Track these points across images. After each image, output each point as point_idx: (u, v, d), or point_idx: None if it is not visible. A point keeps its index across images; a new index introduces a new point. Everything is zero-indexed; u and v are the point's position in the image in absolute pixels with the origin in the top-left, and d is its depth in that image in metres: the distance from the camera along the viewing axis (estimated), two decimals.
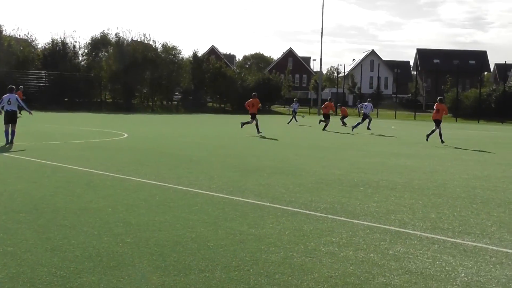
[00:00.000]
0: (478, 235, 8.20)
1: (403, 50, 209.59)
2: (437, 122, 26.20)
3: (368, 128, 37.03)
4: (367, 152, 21.07)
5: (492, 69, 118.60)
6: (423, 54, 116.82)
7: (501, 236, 8.16)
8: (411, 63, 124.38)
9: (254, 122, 29.63)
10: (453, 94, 73.00)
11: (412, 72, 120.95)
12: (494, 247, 7.52)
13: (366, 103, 37.96)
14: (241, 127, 30.86)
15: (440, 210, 10.01)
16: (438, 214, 9.64)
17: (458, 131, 41.18)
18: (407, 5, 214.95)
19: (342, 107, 52.39)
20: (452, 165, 17.40)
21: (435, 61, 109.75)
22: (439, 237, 8.03)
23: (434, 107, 27.00)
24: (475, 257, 7.06)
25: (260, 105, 30.84)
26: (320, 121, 39.02)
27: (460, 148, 24.18)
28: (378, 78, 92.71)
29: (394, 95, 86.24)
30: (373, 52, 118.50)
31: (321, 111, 41.18)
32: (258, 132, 28.96)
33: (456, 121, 65.75)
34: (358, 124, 35.96)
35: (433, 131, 26.41)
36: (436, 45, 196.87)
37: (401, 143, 26.49)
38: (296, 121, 46.79)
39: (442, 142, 25.81)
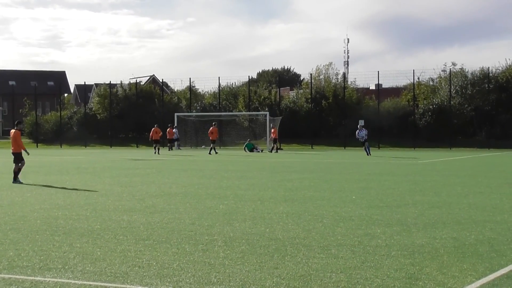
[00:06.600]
0: (60, 269, 8.26)
1: None
2: (212, 141, 45.28)
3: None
4: None
5: (72, 90, 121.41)
6: None
7: (84, 268, 8.35)
8: None
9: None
10: (33, 118, 72.86)
11: None
12: (77, 281, 7.65)
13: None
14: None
15: (20, 246, 9.85)
16: (17, 251, 9.47)
17: (41, 157, 41.15)
18: None
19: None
20: (33, 195, 17.28)
21: (11, 83, 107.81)
22: (17, 276, 7.88)
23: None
24: None
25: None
26: None
27: (43, 176, 24.20)
28: None
29: None
30: None
31: None
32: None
33: (37, 146, 65.74)
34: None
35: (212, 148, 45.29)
36: (12, 65, 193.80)
37: None
38: None
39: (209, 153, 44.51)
